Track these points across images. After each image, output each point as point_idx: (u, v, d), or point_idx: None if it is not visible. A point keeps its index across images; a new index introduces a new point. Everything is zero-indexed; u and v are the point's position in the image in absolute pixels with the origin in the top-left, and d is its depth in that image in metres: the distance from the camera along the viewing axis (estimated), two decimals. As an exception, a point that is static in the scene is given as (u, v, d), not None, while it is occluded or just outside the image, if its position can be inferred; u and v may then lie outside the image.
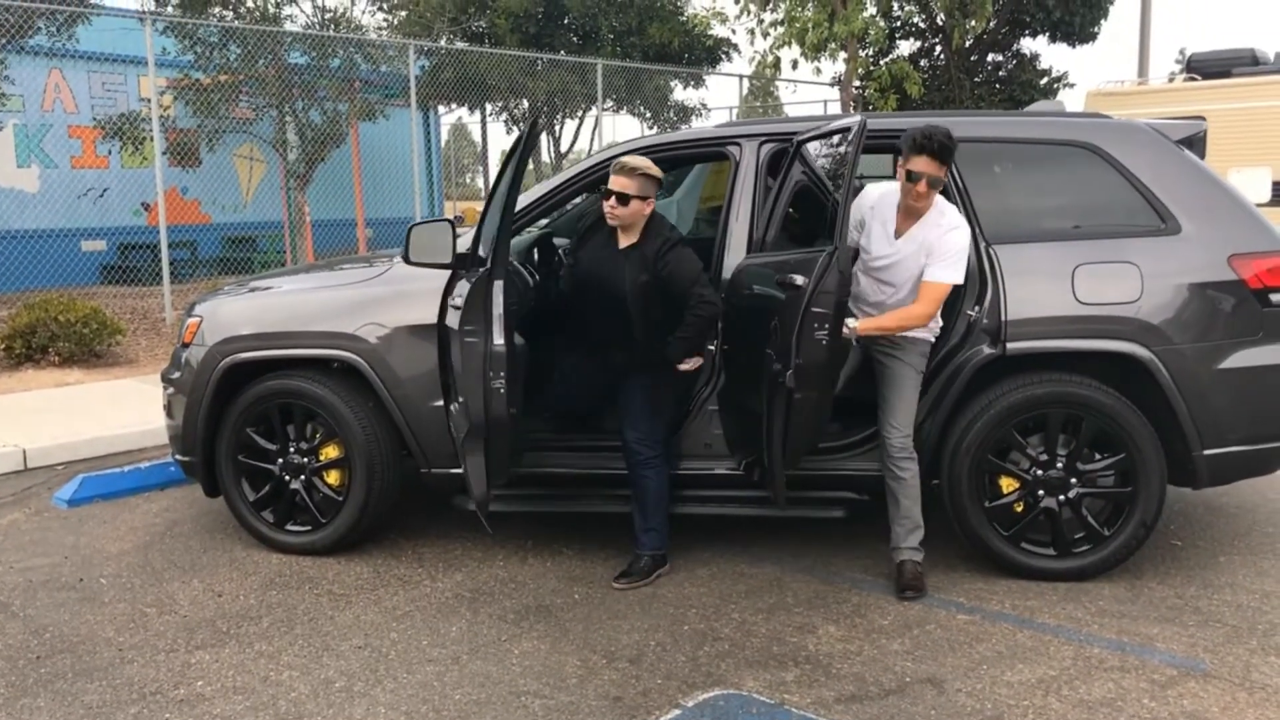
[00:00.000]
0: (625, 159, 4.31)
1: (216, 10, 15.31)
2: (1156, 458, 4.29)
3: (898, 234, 4.27)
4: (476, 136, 44.71)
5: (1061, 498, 4.35)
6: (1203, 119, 17.24)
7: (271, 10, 15.89)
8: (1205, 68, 17.54)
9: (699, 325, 4.32)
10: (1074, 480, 4.35)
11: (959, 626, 4.05)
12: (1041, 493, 4.37)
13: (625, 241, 4.39)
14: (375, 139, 17.24)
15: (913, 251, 4.21)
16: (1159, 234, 4.40)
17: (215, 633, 4.08)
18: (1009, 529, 4.42)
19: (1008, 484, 4.42)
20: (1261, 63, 17.21)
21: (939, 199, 4.23)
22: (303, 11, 16.79)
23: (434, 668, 3.76)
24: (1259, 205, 15.68)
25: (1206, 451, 4.34)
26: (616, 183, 4.27)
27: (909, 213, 4.23)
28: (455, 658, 3.84)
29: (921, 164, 4.09)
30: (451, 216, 26.22)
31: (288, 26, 15.92)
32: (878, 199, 4.36)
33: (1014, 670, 3.68)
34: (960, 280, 4.17)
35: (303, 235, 15.27)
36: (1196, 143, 4.82)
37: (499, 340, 3.99)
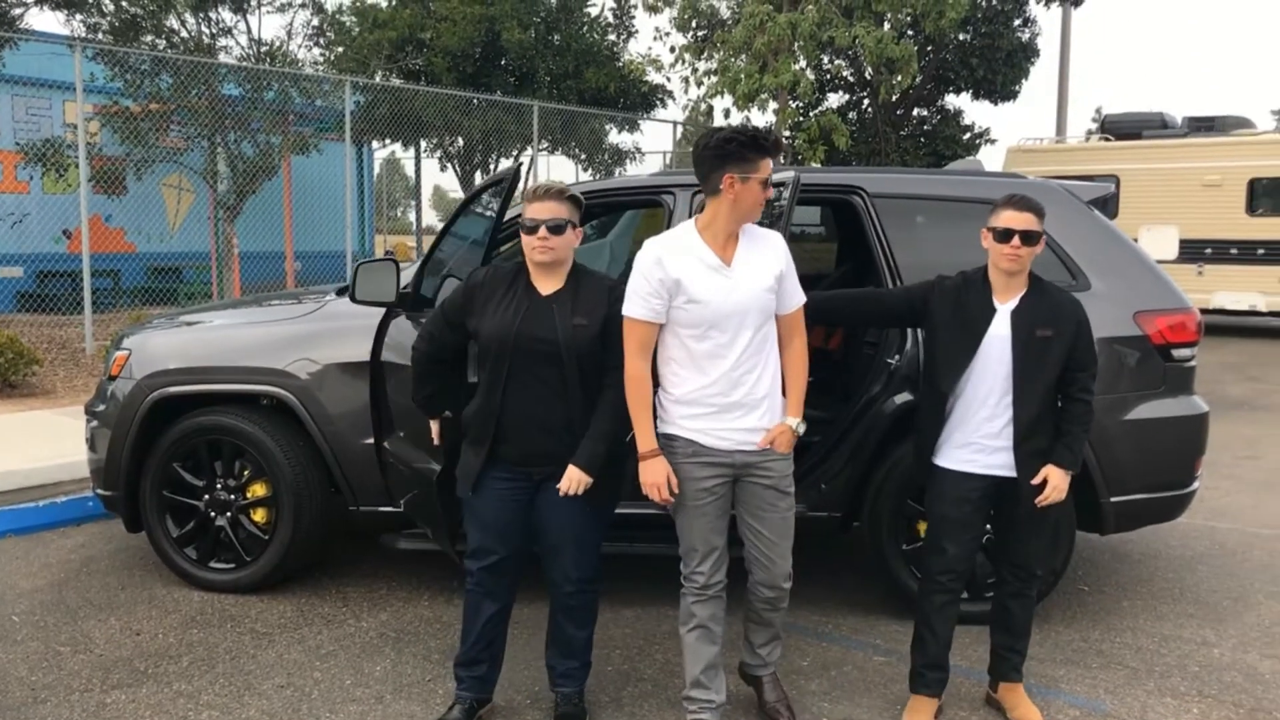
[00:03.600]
0: (541, 183, 3.53)
1: (149, 39, 15.17)
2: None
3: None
4: (408, 171, 44.73)
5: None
6: (1115, 178, 17.96)
7: (206, 41, 15.80)
8: (1118, 129, 18.35)
9: (614, 413, 3.42)
10: (987, 526, 4.50)
11: (875, 668, 4.16)
12: None
13: (549, 286, 3.46)
14: (307, 172, 17.15)
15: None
16: (1070, 290, 4.60)
17: (132, 672, 4.02)
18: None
19: (923, 527, 4.57)
20: (1170, 126, 18.06)
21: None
22: (238, 44, 16.63)
23: (357, 707, 3.75)
24: (1168, 262, 16.30)
25: (1113, 499, 4.53)
26: (545, 209, 3.39)
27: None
28: (379, 697, 3.84)
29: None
30: (383, 252, 26.09)
31: (222, 58, 15.83)
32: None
33: (928, 710, 3.79)
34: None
35: (230, 267, 15.10)
36: (1107, 203, 5.06)
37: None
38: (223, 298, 15.03)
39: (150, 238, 17.33)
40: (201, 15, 16.38)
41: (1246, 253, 16.42)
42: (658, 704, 3.81)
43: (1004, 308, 3.56)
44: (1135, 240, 4.98)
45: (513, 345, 3.37)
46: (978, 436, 3.57)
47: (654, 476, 3.35)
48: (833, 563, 5.33)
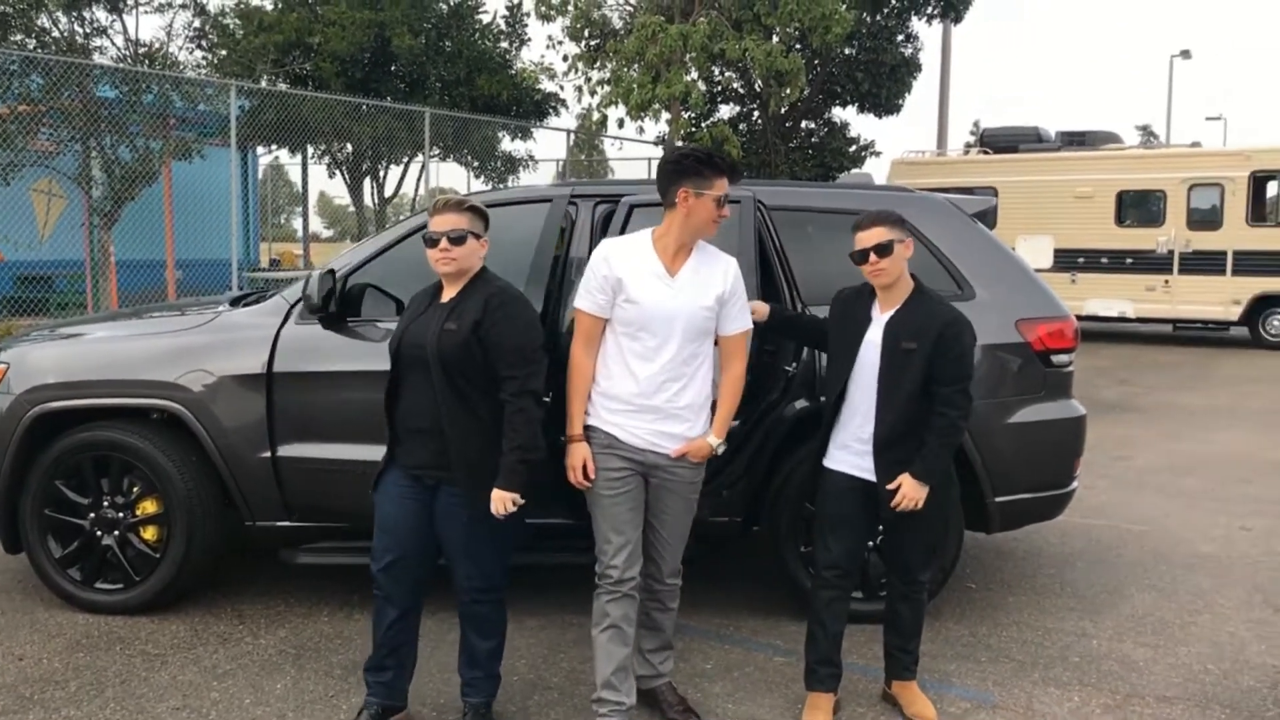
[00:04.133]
0: (442, 195, 3.50)
1: (18, 38, 14.55)
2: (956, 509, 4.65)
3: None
4: (292, 177, 43.72)
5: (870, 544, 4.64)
6: (994, 190, 18.63)
7: (80, 41, 15.22)
8: (995, 142, 19.09)
9: (528, 425, 3.39)
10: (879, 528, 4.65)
11: (775, 668, 4.25)
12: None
13: (448, 295, 3.52)
14: (190, 178, 16.65)
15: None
16: (956, 299, 4.78)
17: (17, 699, 3.86)
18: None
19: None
20: (1044, 140, 18.86)
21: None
22: (114, 45, 16.05)
23: (258, 727, 3.68)
24: (1043, 271, 16.95)
25: (998, 499, 4.72)
26: (446, 221, 3.45)
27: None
28: (280, 715, 3.77)
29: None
30: (269, 260, 25.44)
31: (97, 59, 15.27)
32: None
33: (828, 708, 3.89)
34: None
35: (107, 276, 14.55)
36: (988, 215, 5.29)
37: None
38: (98, 308, 14.48)
39: (18, 245, 16.55)
40: (74, 14, 15.78)
41: (1116, 262, 17.25)
42: (564, 711, 3.84)
43: (881, 318, 3.71)
44: (1013, 250, 5.20)
45: (400, 351, 3.49)
46: (852, 440, 3.73)
47: (573, 459, 3.56)
48: (733, 566, 5.43)
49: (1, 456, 4.61)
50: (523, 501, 3.40)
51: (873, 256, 3.63)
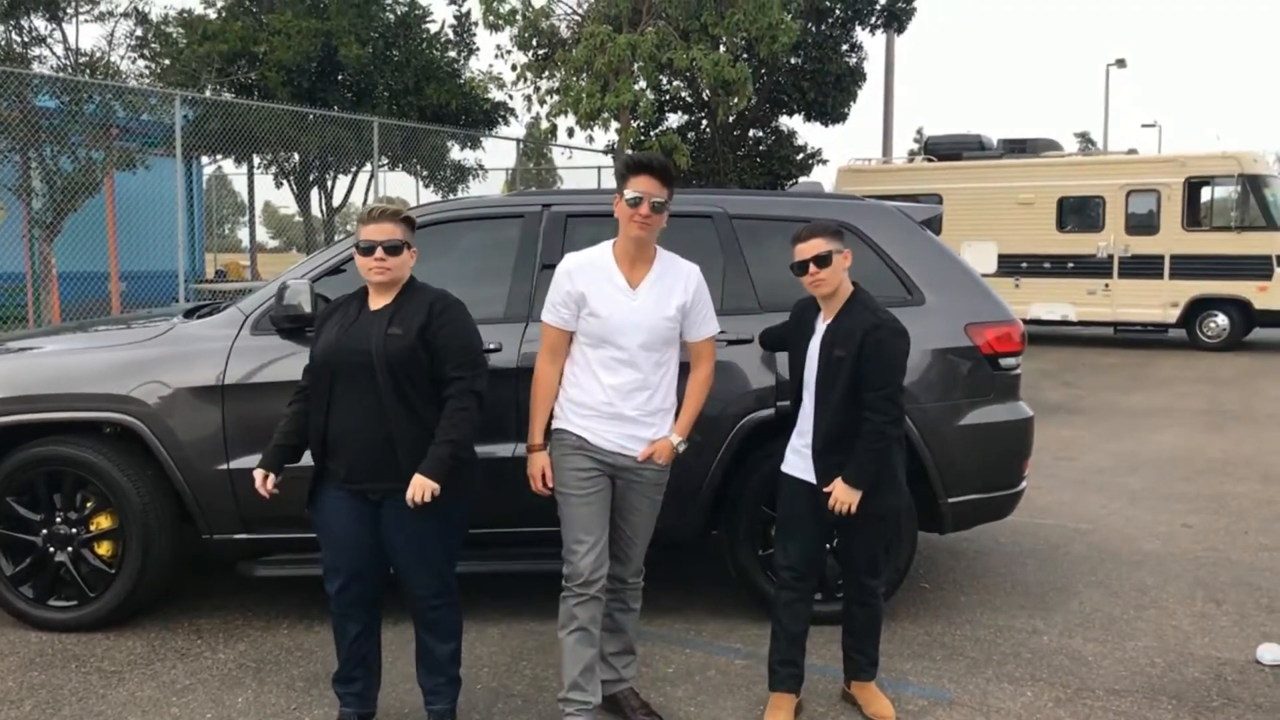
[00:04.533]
0: (375, 204, 3.53)
1: (-46, 46, 14.27)
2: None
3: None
4: (236, 186, 43.14)
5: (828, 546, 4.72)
6: (939, 196, 18.94)
7: (18, 50, 14.94)
8: (939, 149, 19.43)
9: (467, 424, 3.41)
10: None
11: (737, 671, 4.31)
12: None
13: (379, 303, 3.51)
14: (133, 189, 16.38)
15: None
16: (906, 304, 4.89)
17: (-30, 719, 3.80)
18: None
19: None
20: (987, 148, 19.23)
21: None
22: (53, 54, 15.78)
23: (220, 741, 3.66)
24: (988, 276, 17.20)
25: (950, 499, 4.82)
26: (381, 231, 3.43)
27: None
28: (243, 729, 3.75)
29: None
30: (214, 271, 25.09)
31: (36, 68, 15.00)
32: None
33: (789, 709, 3.95)
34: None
35: (48, 289, 14.29)
36: (934, 223, 5.40)
37: None
38: (40, 322, 14.21)
39: (-45, 257, 16.22)
40: (12, 23, 15.50)
41: (1058, 266, 17.62)
42: (529, 718, 3.85)
43: (821, 327, 3.81)
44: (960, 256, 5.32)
45: (334, 359, 3.43)
46: (800, 444, 3.84)
47: (533, 468, 3.66)
48: (693, 571, 5.48)
49: (-50, 473, 4.53)
50: (438, 494, 3.33)
51: (812, 267, 3.71)
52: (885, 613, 4.70)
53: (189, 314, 5.11)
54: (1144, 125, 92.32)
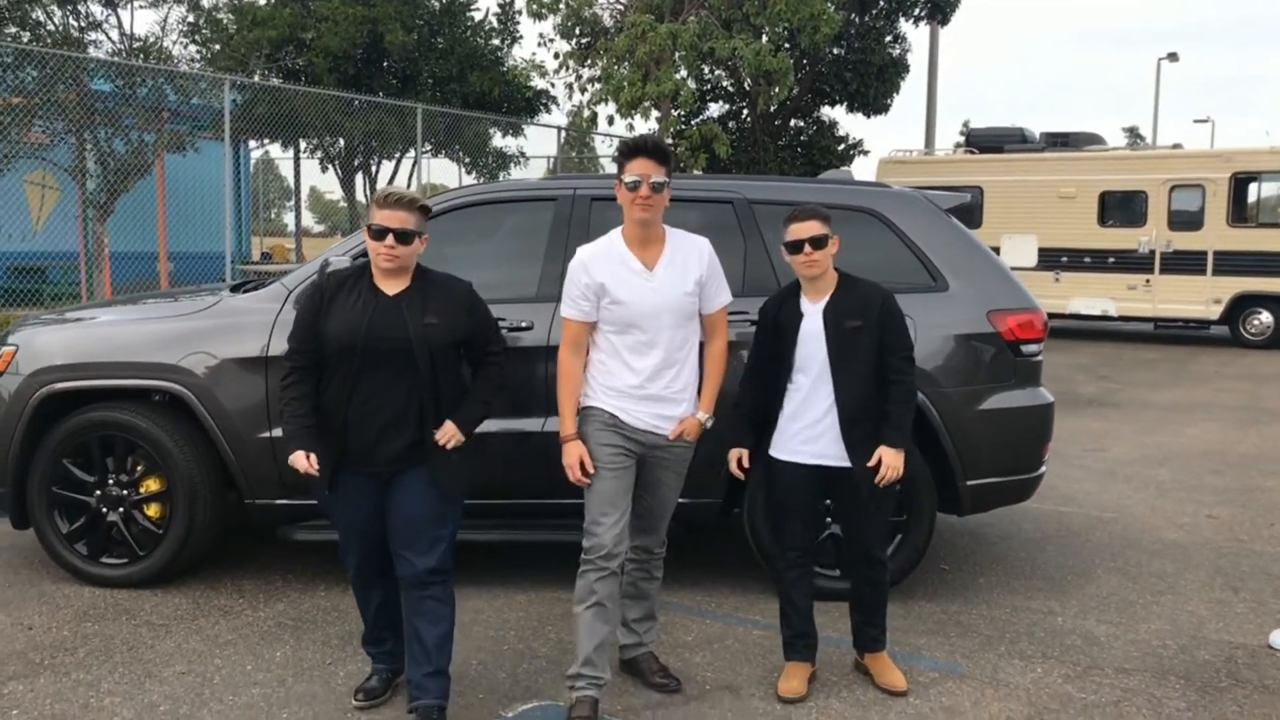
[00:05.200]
0: (392, 190, 3.55)
1: (13, 30, 14.66)
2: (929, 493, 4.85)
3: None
4: (283, 171, 43.83)
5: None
6: (980, 189, 18.80)
7: (74, 34, 15.33)
8: (981, 142, 19.32)
9: (499, 387, 3.70)
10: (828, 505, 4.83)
11: (754, 641, 4.45)
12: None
13: (394, 287, 3.53)
14: (182, 171, 16.76)
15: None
16: (930, 290, 5.00)
17: (28, 664, 4.04)
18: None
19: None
20: (1029, 141, 19.10)
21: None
22: (109, 39, 16.16)
23: (260, 690, 3.86)
24: (1028, 269, 17.13)
25: (969, 482, 4.92)
26: (395, 218, 3.44)
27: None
28: (281, 680, 3.95)
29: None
30: (260, 254, 25.53)
31: (92, 52, 15.38)
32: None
33: (802, 677, 4.09)
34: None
35: (101, 267, 14.68)
36: (964, 212, 5.48)
37: None
38: (92, 299, 14.61)
39: (11, 236, 16.66)
40: (69, 8, 15.90)
41: (1099, 261, 17.49)
42: (552, 678, 4.03)
43: (814, 307, 3.90)
44: (998, 249, 5.40)
45: (362, 344, 3.42)
46: (802, 427, 3.90)
47: (570, 458, 3.68)
48: (714, 547, 5.62)
49: (11, 436, 4.78)
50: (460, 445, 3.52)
51: (808, 248, 3.81)
52: (902, 590, 4.83)
53: (235, 289, 5.32)
54: (1196, 121, 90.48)
